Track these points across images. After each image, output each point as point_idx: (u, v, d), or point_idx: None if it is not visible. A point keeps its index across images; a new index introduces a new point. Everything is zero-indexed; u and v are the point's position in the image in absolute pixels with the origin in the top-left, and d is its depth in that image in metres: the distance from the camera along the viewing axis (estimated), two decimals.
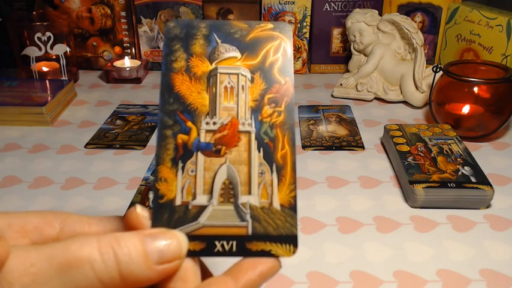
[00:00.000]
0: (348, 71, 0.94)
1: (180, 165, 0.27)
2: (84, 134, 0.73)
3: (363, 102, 0.86)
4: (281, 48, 0.29)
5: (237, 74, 0.28)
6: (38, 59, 0.87)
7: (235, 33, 0.29)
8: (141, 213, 0.25)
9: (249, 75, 0.28)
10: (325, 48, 0.99)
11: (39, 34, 0.85)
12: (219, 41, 0.29)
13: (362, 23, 0.87)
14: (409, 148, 0.62)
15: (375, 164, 0.65)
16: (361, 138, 0.72)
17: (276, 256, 0.25)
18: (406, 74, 0.84)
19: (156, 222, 0.25)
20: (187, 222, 0.25)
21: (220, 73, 0.28)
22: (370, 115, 0.81)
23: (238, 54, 0.29)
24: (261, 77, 0.28)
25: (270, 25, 0.29)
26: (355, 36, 0.88)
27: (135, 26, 0.99)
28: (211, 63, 0.28)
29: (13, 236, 0.24)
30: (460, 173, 0.57)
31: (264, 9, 0.96)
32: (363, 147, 0.70)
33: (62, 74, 0.90)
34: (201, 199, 0.26)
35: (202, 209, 0.26)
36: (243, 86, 0.28)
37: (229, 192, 0.26)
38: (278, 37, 0.29)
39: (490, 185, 0.54)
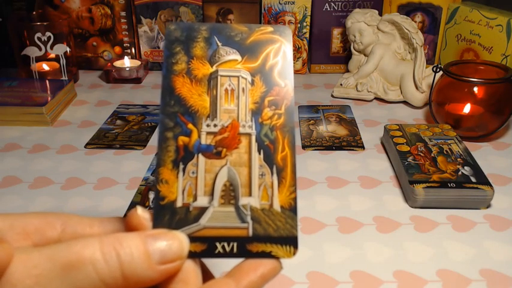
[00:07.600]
0: (348, 71, 0.94)
1: (181, 167, 0.27)
2: (84, 134, 0.73)
3: (363, 102, 0.86)
4: (281, 51, 0.29)
5: (238, 77, 0.28)
6: (38, 59, 0.87)
7: (235, 36, 0.29)
8: (142, 214, 0.25)
9: (249, 78, 0.28)
10: (325, 48, 0.99)
11: (39, 34, 0.85)
12: (219, 44, 0.29)
13: (362, 23, 0.87)
14: (409, 148, 0.62)
15: (375, 164, 0.66)
16: (361, 138, 0.72)
17: (276, 257, 0.25)
18: (406, 74, 0.84)
19: (157, 223, 0.25)
20: (188, 224, 0.26)
21: (221, 76, 0.28)
22: (370, 115, 0.81)
23: (238, 57, 0.29)
24: (261, 80, 0.28)
25: (270, 28, 0.29)
26: (355, 36, 0.88)
27: (135, 26, 0.99)
28: (212, 66, 0.29)
29: (15, 238, 0.24)
30: (460, 173, 0.57)
31: (264, 9, 0.96)
32: (363, 147, 0.70)
33: (62, 74, 0.90)
34: (202, 201, 0.26)
35: (203, 210, 0.26)
36: (243, 89, 0.28)
37: (230, 194, 0.27)
38: (278, 40, 0.29)
39: (490, 185, 0.55)
